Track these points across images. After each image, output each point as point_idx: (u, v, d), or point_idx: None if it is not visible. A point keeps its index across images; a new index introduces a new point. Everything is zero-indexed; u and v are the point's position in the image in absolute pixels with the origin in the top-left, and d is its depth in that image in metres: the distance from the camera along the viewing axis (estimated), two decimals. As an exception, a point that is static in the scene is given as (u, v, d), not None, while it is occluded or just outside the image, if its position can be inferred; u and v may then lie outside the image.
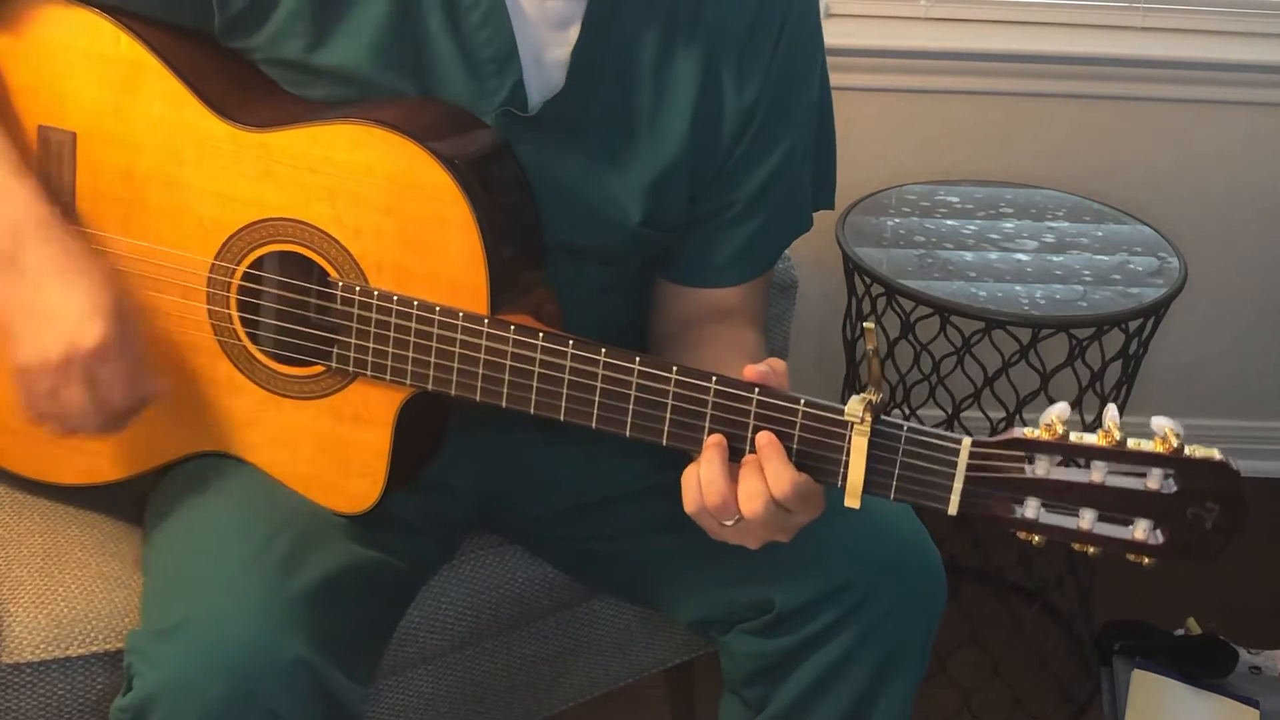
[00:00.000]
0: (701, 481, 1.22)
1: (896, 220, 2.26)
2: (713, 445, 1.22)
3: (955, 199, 2.34)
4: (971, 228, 2.26)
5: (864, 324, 1.28)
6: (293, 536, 1.33)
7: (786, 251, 1.83)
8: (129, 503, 1.47)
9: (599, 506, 1.50)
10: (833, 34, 2.44)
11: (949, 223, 2.27)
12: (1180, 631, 2.25)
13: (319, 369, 1.35)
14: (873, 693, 1.41)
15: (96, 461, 1.44)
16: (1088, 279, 2.12)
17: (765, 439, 1.21)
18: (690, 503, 1.24)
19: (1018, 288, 2.08)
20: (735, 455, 1.23)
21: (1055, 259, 2.17)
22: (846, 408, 1.19)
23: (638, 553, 1.49)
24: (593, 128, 1.38)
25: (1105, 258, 2.19)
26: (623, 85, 1.38)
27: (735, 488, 1.21)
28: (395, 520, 1.40)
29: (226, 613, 1.25)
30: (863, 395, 1.19)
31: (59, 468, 1.46)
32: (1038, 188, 2.40)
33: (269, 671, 1.23)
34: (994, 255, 2.17)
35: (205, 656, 1.22)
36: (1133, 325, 2.08)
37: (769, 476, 1.20)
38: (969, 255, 2.17)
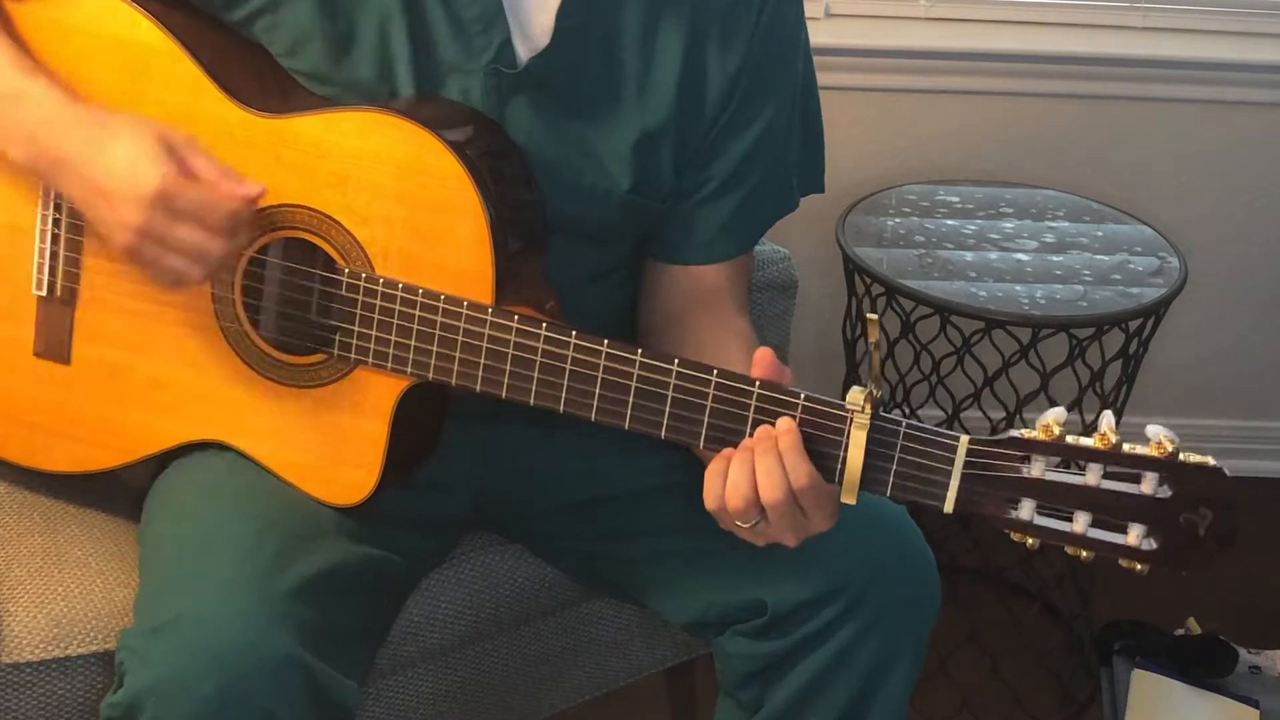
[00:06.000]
0: (728, 484, 1.22)
1: (896, 220, 2.26)
2: (746, 449, 1.22)
3: (955, 199, 2.34)
4: (971, 228, 2.25)
5: (867, 315, 1.29)
6: (285, 534, 1.33)
7: (786, 251, 1.84)
8: (128, 502, 1.47)
9: (594, 507, 1.50)
10: (833, 34, 2.46)
11: (949, 223, 2.27)
12: (1180, 631, 2.25)
13: (319, 357, 1.35)
14: (867, 695, 1.40)
15: (90, 450, 1.44)
16: (1088, 279, 2.12)
17: (787, 424, 1.21)
18: (711, 500, 1.24)
19: (1018, 288, 2.08)
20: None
21: (1055, 259, 2.17)
22: (848, 397, 1.20)
23: (632, 554, 1.49)
24: (580, 91, 1.39)
25: (1105, 258, 2.19)
26: (609, 48, 1.38)
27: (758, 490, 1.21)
28: (391, 516, 1.41)
29: (217, 611, 1.25)
30: (864, 387, 1.20)
31: (51, 455, 1.46)
32: (1038, 188, 2.40)
33: (260, 669, 1.23)
34: (994, 255, 2.17)
35: (196, 654, 1.22)
36: (1133, 325, 2.08)
37: (789, 468, 1.21)
38: (969, 255, 2.17)
